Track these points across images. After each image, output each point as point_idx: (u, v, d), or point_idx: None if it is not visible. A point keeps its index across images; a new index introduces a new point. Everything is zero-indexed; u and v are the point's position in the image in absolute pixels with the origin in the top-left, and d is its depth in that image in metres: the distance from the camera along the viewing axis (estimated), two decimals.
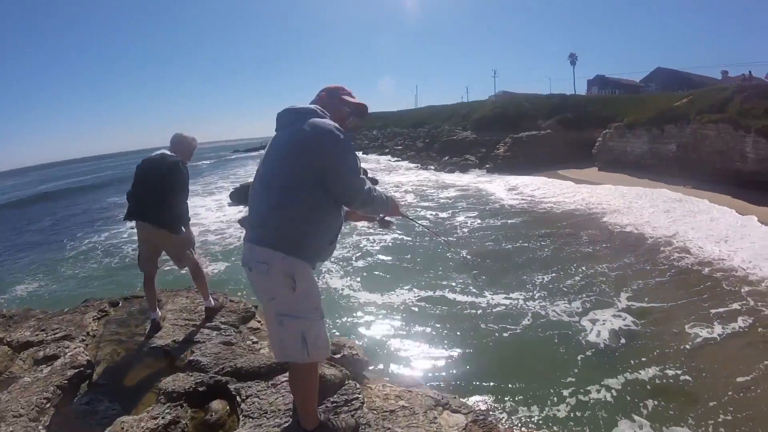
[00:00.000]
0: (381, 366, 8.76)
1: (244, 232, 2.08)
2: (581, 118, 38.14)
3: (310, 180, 1.89)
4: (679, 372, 8.12)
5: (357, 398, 2.53)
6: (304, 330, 1.92)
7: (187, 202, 3.63)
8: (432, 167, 43.40)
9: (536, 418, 7.40)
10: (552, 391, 7.92)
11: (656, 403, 7.40)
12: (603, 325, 10.05)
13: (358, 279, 13.46)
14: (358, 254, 15.78)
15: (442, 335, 9.98)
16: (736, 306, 10.24)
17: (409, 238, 16.94)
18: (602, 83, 65.30)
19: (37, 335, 3.48)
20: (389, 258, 15.19)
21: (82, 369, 2.95)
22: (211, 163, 73.58)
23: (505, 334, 10.03)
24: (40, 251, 19.68)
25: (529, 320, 10.60)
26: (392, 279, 13.21)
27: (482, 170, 39.19)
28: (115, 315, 3.96)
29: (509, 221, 20.24)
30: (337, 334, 9.41)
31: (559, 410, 7.51)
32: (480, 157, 41.88)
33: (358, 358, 3.72)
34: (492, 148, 41.35)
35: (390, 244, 16.83)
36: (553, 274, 13.16)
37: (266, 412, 2.39)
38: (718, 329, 9.36)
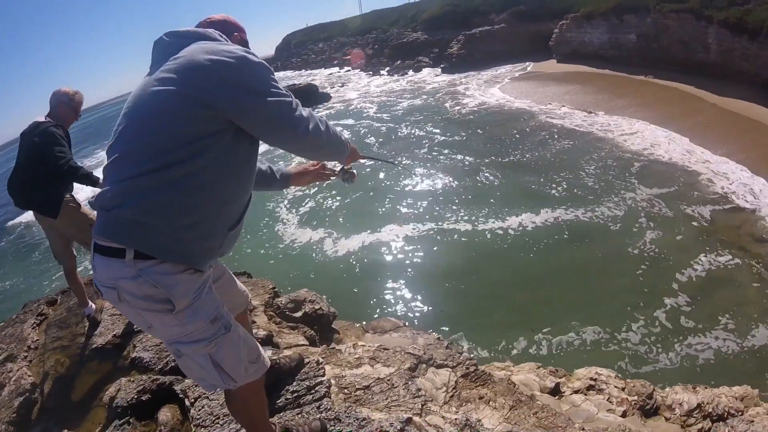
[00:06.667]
0: (363, 310, 7.80)
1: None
2: (536, 10, 36.29)
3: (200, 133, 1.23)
4: None
5: (321, 382, 2.16)
6: (211, 354, 1.35)
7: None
8: (384, 73, 41.41)
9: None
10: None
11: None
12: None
13: (338, 220, 11.96)
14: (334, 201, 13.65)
15: (451, 267, 9.13)
16: None
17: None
18: None
19: None
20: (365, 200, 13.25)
21: (27, 394, 2.70)
22: None
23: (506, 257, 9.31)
24: None
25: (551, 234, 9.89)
26: (377, 218, 11.92)
27: (437, 69, 37.61)
28: (54, 316, 3.59)
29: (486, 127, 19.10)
30: (289, 287, 8.10)
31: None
32: (433, 58, 40.17)
33: (322, 312, 3.48)
34: (445, 47, 39.42)
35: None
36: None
37: (219, 417, 2.03)
38: None
